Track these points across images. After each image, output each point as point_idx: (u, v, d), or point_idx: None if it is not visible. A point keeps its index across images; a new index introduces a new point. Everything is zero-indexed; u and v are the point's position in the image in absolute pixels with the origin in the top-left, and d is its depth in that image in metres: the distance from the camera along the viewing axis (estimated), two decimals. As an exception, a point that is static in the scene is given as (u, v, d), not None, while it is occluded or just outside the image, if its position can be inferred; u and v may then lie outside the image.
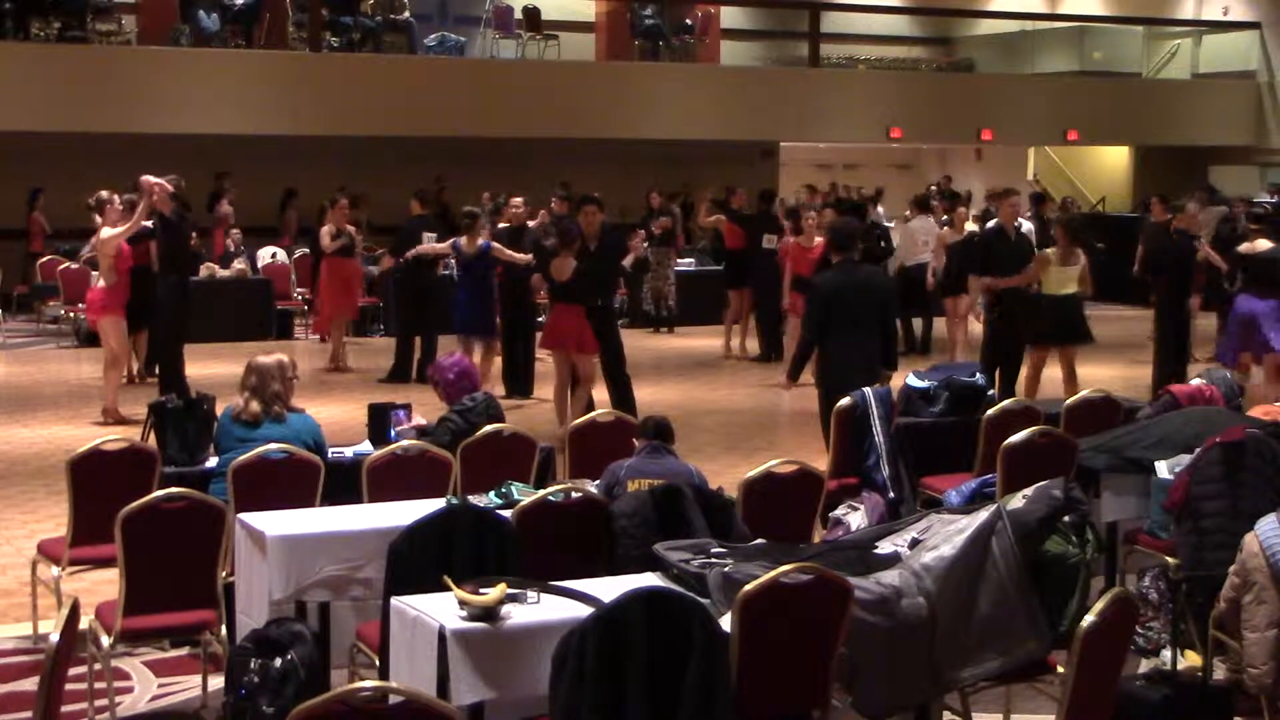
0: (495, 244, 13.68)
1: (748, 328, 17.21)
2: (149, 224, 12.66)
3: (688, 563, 5.45)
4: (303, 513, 6.51)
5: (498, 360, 14.11)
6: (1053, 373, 12.38)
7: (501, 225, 15.02)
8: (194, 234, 13.17)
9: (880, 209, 22.54)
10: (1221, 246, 14.95)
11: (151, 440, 7.82)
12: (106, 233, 12.43)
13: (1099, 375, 14.17)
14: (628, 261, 12.88)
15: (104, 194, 12.81)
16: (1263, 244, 12.63)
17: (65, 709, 4.91)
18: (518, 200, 14.93)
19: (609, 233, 12.55)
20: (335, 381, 15.18)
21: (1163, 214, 15.63)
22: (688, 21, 24.78)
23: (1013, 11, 27.24)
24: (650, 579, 5.42)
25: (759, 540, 5.92)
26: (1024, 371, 12.41)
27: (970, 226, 15.70)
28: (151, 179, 12.39)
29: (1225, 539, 6.37)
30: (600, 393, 12.14)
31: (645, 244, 17.56)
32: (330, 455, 7.32)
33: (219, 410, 7.51)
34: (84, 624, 5.73)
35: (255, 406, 7.12)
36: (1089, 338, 12.42)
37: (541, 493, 6.28)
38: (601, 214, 12.28)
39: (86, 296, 13.38)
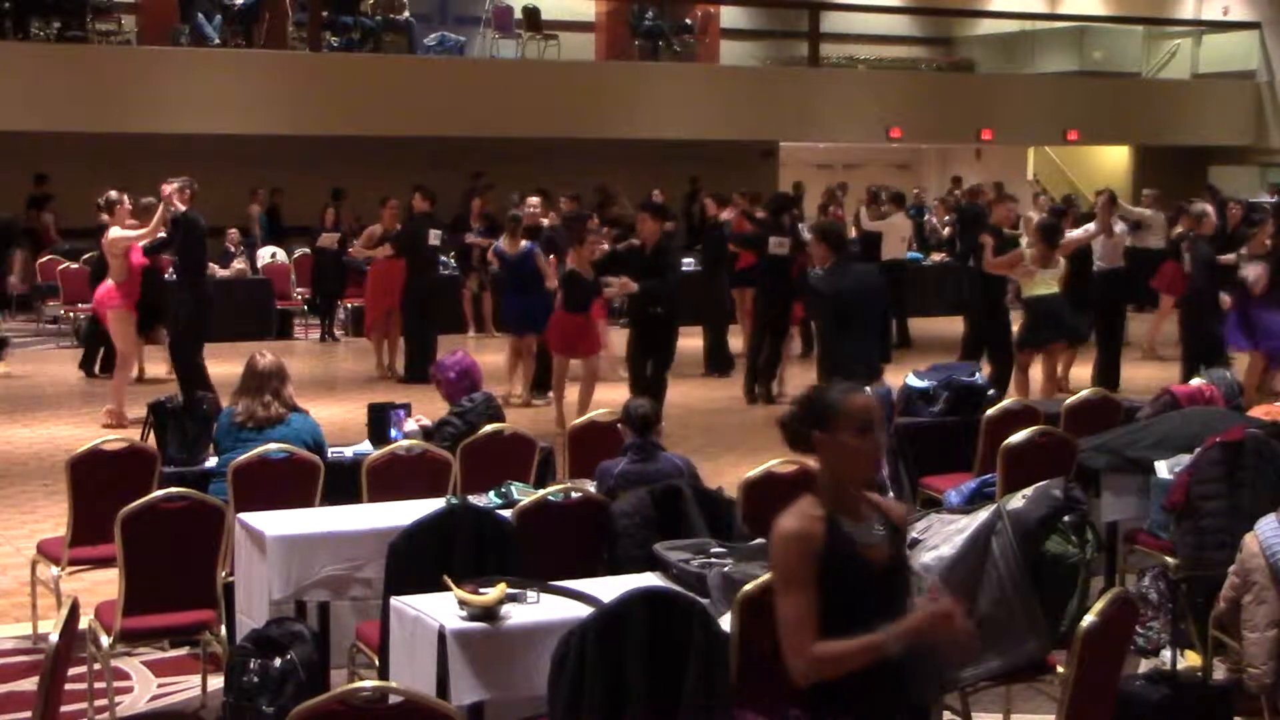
0: (538, 249, 13.64)
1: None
2: (163, 234, 12.40)
3: (688, 563, 5.45)
4: (303, 513, 6.52)
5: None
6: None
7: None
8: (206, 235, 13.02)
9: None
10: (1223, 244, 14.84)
11: (151, 440, 7.82)
12: (115, 232, 12.37)
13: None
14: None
15: (113, 194, 12.75)
16: None
17: (65, 709, 4.91)
18: (534, 200, 14.83)
19: (666, 242, 12.27)
20: (335, 381, 15.17)
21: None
22: (688, 21, 24.75)
23: (1013, 11, 27.21)
24: (650, 579, 5.42)
25: (759, 540, 5.92)
26: (1035, 373, 12.39)
27: None
28: (168, 186, 12.27)
29: (1225, 539, 6.37)
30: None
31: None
32: (330, 455, 7.32)
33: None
34: (84, 624, 5.73)
35: (277, 409, 7.11)
36: (1080, 335, 12.56)
37: (541, 493, 6.28)
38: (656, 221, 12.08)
39: (95, 295, 13.26)
